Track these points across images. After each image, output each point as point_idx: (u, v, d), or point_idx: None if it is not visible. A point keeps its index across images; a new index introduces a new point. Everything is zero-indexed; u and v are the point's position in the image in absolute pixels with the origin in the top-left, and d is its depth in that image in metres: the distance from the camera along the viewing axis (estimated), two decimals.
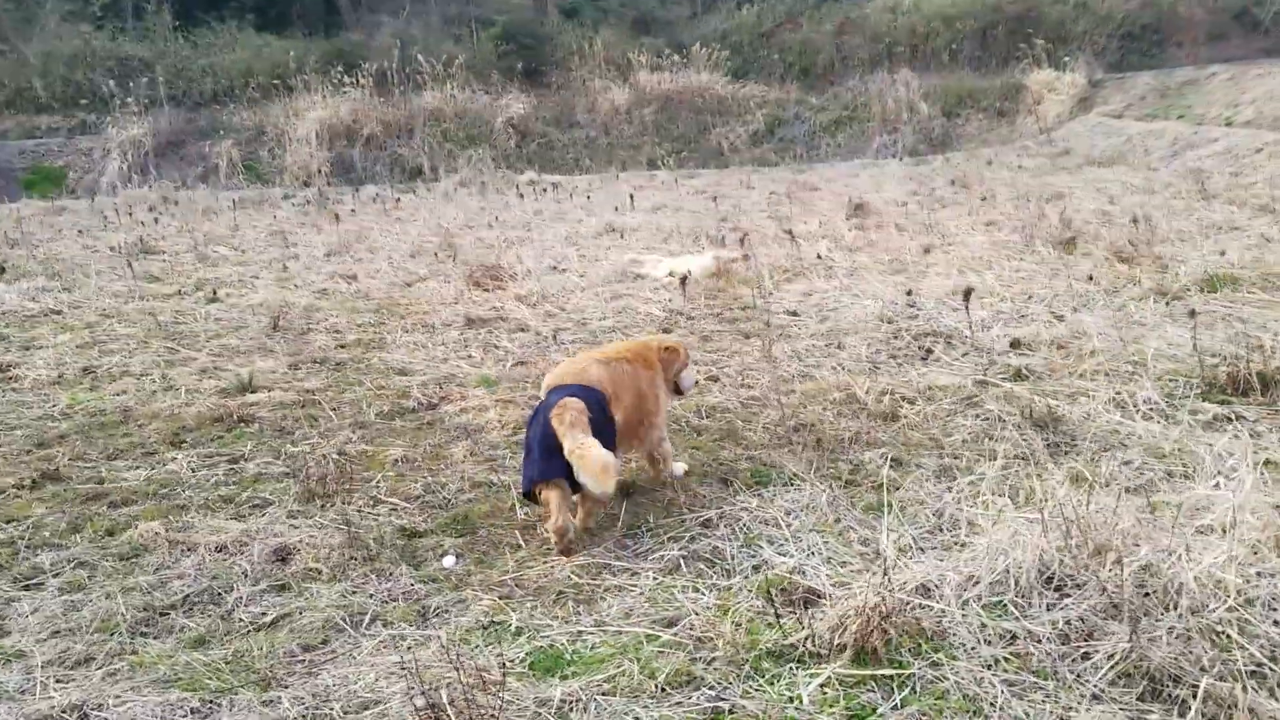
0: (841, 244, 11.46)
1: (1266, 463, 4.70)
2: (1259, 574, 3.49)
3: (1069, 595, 3.48)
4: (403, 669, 3.41)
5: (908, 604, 3.45)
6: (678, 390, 5.24)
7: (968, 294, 7.20)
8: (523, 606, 3.92)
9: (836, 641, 3.33)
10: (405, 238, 13.86)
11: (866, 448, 5.30)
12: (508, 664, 3.46)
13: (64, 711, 3.34)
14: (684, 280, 8.72)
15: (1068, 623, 3.35)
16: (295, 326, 8.82)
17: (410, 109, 25.68)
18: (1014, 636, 3.35)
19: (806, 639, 3.39)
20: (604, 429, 4.41)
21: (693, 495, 4.83)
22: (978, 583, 3.60)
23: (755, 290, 9.28)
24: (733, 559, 4.12)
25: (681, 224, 13.66)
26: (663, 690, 3.28)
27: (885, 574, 3.40)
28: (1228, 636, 3.15)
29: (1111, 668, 3.10)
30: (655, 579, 4.04)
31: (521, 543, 4.51)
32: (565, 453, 4.18)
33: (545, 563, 4.28)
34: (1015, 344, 7.03)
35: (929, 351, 7.09)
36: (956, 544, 4.03)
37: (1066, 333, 7.26)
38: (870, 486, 4.80)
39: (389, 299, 9.92)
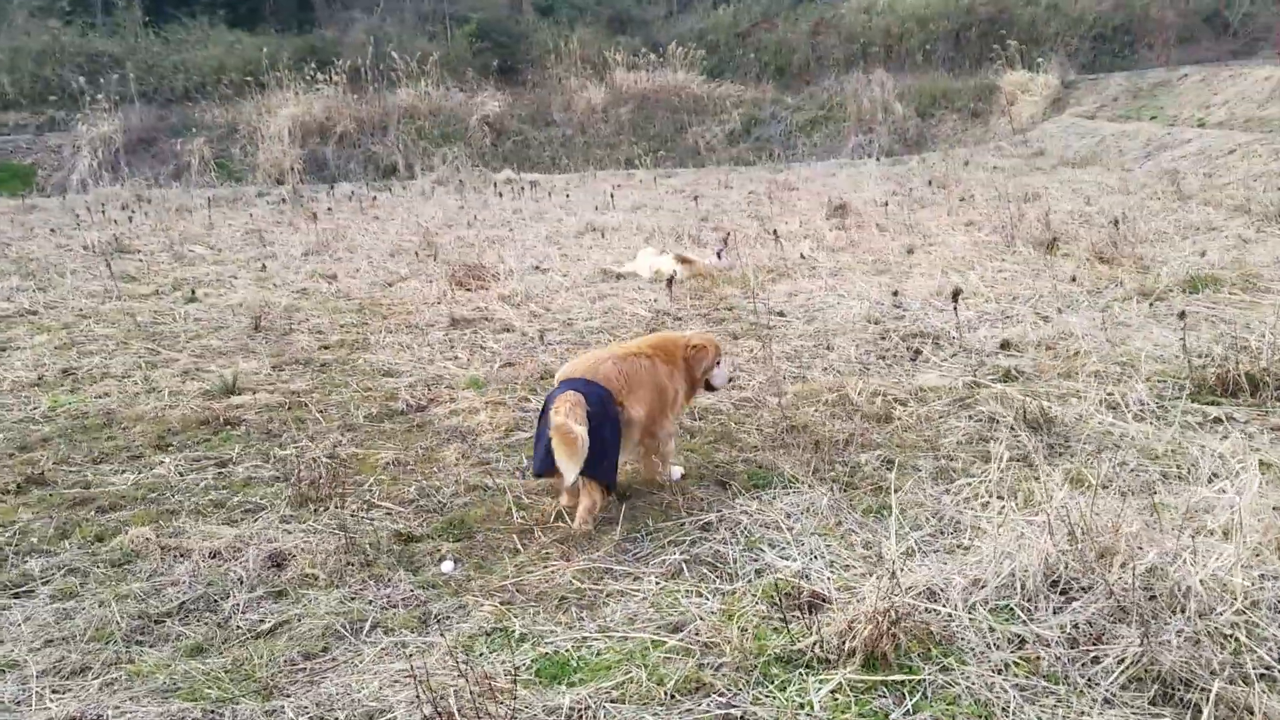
0: (824, 244, 11.48)
1: (1261, 464, 4.73)
2: (1262, 576, 3.50)
3: (1075, 599, 3.48)
4: (408, 677, 3.37)
5: (916, 608, 3.43)
6: (709, 386, 5.27)
7: (956, 295, 7.23)
8: (525, 612, 3.88)
9: (846, 646, 3.31)
10: (384, 237, 13.76)
11: (862, 450, 5.29)
12: (512, 672, 3.42)
13: None
14: (670, 281, 8.69)
15: (1075, 626, 3.35)
16: (277, 327, 8.73)
17: (384, 106, 25.52)
18: (1022, 641, 3.35)
19: (815, 644, 3.37)
20: (603, 425, 4.44)
21: (690, 498, 4.80)
22: (983, 586, 3.59)
23: (742, 290, 9.28)
24: (735, 563, 4.10)
25: (662, 223, 13.65)
26: (672, 697, 3.25)
27: (894, 577, 3.39)
28: (1237, 640, 3.16)
29: (1123, 672, 3.10)
30: (658, 583, 4.01)
31: (520, 547, 4.46)
32: (553, 427, 4.30)
33: (545, 567, 4.24)
34: (1005, 345, 7.05)
35: (918, 352, 7.11)
36: (959, 547, 4.03)
37: (1053, 334, 7.30)
38: (868, 489, 4.80)
39: (371, 299, 9.84)
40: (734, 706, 3.17)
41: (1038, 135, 23.46)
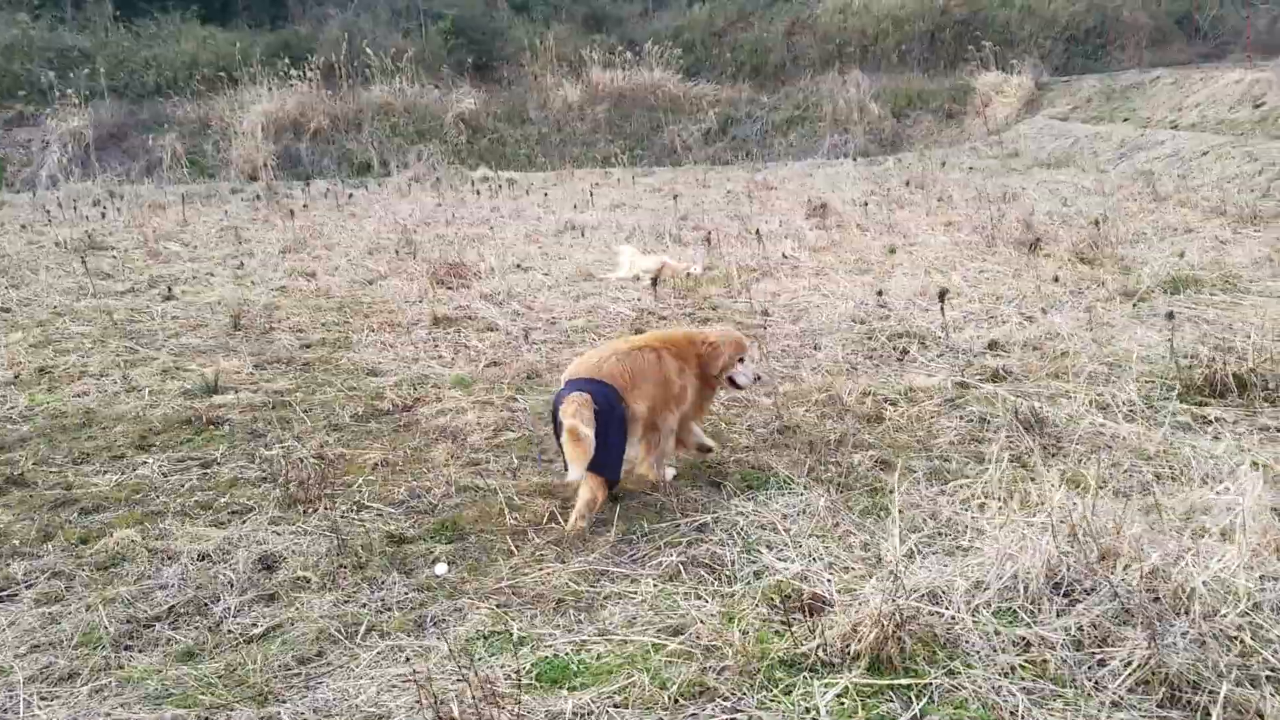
0: (805, 244, 11.48)
1: (1253, 465, 4.75)
2: (1263, 578, 3.51)
3: (1079, 601, 3.47)
4: (407, 681, 3.33)
5: (920, 611, 3.41)
6: (734, 385, 5.25)
7: (943, 295, 7.23)
8: (522, 615, 3.83)
9: (850, 650, 3.29)
10: (361, 234, 13.64)
11: (855, 450, 5.28)
12: (512, 676, 3.38)
13: None
14: (655, 280, 8.66)
15: (1080, 629, 3.34)
16: (257, 325, 8.63)
17: (359, 103, 25.30)
18: (1027, 643, 3.33)
19: (819, 648, 3.34)
20: (610, 422, 4.49)
21: (684, 499, 4.77)
22: (986, 588, 3.58)
23: (725, 290, 9.27)
24: (733, 565, 4.07)
25: (642, 222, 13.61)
26: (676, 702, 3.21)
27: (897, 579, 3.37)
28: (1242, 642, 3.15)
29: (1130, 674, 3.09)
30: (656, 586, 3.98)
31: (514, 549, 4.41)
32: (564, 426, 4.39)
33: (541, 569, 4.19)
34: (993, 345, 7.06)
35: (905, 352, 7.11)
36: (958, 549, 4.02)
37: (1039, 334, 7.31)
38: (864, 490, 4.78)
39: (351, 297, 9.74)
40: (739, 711, 3.14)
41: (1012, 136, 23.59)
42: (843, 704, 3.13)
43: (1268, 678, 3.04)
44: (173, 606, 3.98)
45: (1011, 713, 3.02)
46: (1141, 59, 26.69)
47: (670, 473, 5.08)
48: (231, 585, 4.11)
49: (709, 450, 5.30)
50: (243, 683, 3.45)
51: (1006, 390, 6.08)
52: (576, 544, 4.42)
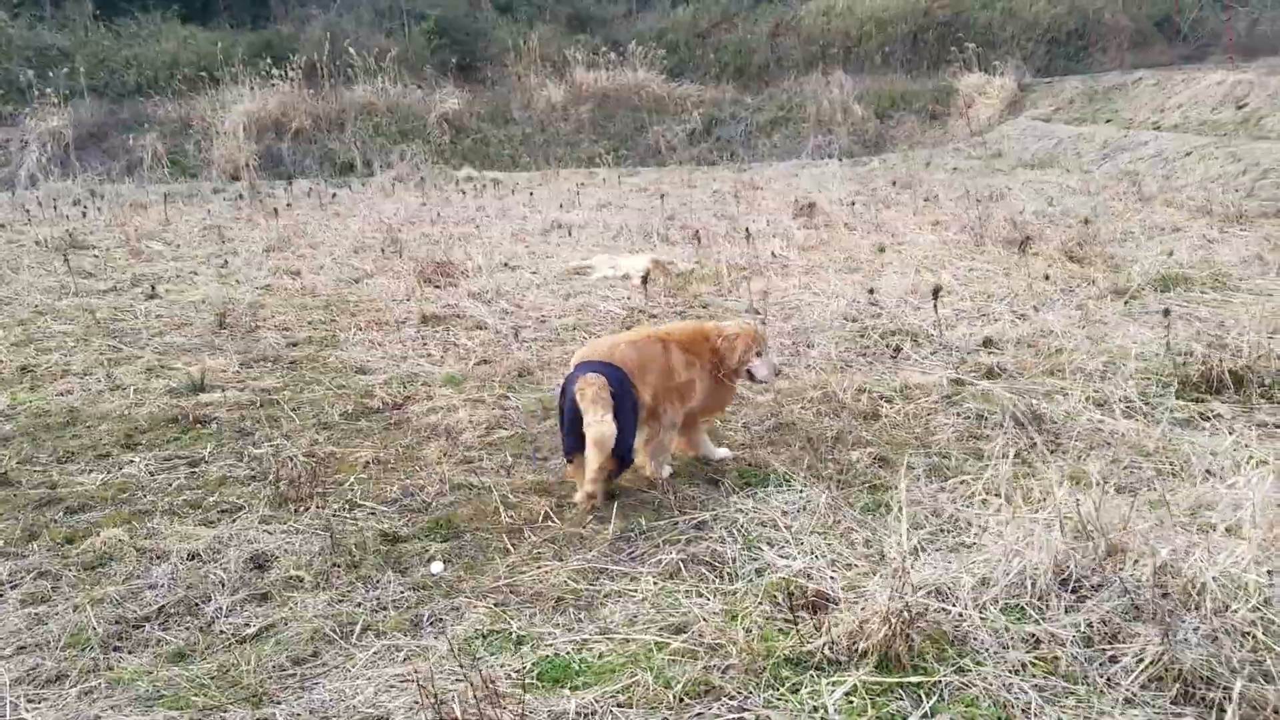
0: (793, 242, 11.44)
1: (1251, 460, 4.72)
2: (1271, 573, 3.47)
3: (1088, 597, 3.43)
4: (406, 681, 3.26)
5: (928, 608, 3.36)
6: (752, 378, 5.21)
7: (936, 292, 7.20)
8: (521, 614, 3.77)
9: (858, 648, 3.23)
10: (346, 233, 13.52)
11: (852, 447, 5.23)
12: (514, 675, 3.31)
13: None
14: (645, 278, 8.60)
15: (1090, 625, 3.29)
16: (242, 324, 8.52)
17: (341, 102, 25.13)
18: (1037, 640, 3.28)
19: (825, 645, 3.28)
20: (625, 405, 4.50)
21: (682, 497, 4.71)
22: (992, 585, 3.53)
23: (715, 288, 9.22)
24: (734, 562, 4.01)
25: (629, 221, 13.54)
26: (681, 701, 3.15)
27: (907, 574, 3.32)
28: (1254, 637, 3.11)
29: (1143, 671, 3.05)
30: (656, 584, 3.91)
31: (510, 547, 4.35)
32: (584, 426, 4.40)
33: (539, 567, 4.13)
34: (988, 342, 7.03)
35: (898, 350, 7.07)
36: (962, 545, 3.97)
37: (1032, 331, 7.29)
38: (863, 487, 4.73)
39: (337, 296, 9.64)
40: (746, 710, 3.08)
41: (995, 137, 23.64)
42: (851, 702, 3.07)
43: None
44: (162, 606, 3.89)
45: (1023, 710, 2.97)
46: (1123, 61, 26.81)
47: (666, 470, 5.01)
48: (223, 585, 4.03)
49: (714, 459, 5.23)
50: (236, 684, 3.38)
51: (1002, 387, 6.05)
52: (574, 542, 4.36)
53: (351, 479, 5.12)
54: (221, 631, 3.72)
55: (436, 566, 4.20)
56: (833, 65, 28.32)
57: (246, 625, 3.76)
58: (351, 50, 25.70)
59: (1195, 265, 9.14)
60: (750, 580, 3.85)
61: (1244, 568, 3.34)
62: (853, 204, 14.05)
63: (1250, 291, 8.26)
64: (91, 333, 8.24)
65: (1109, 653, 3.18)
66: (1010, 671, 3.14)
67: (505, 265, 10.71)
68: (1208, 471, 4.65)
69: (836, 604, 3.52)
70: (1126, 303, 8.03)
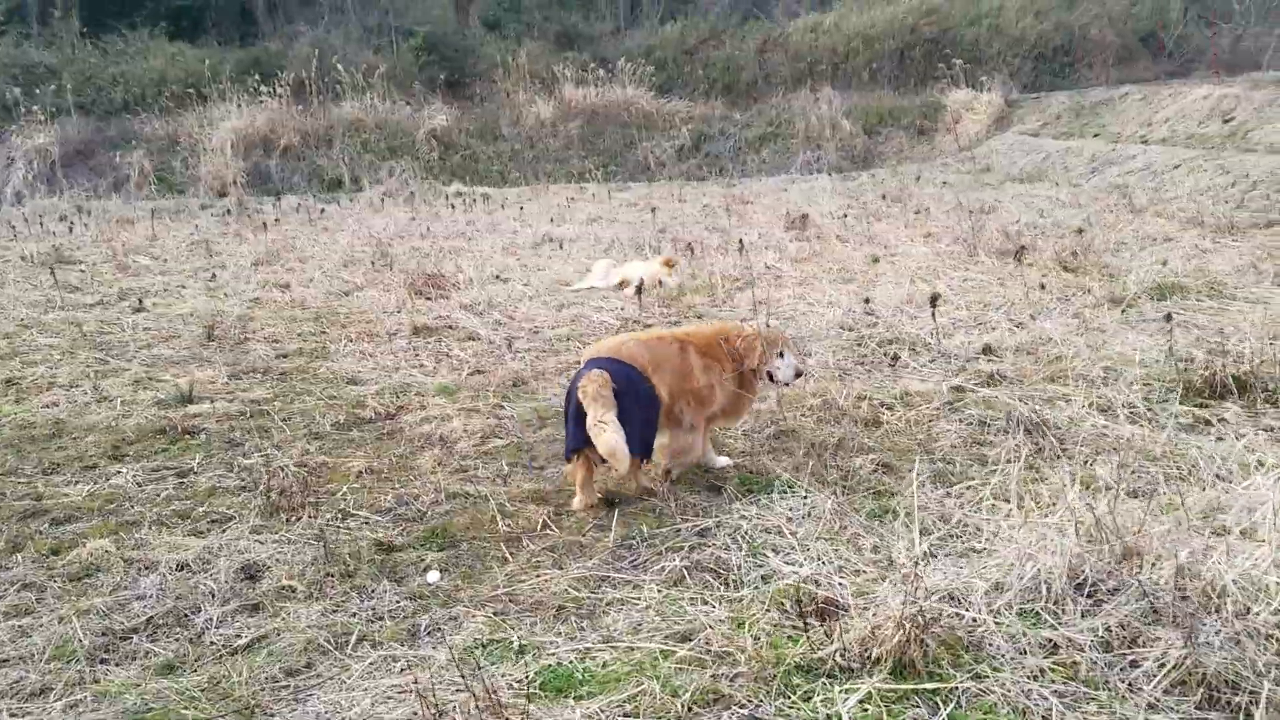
0: (786, 254, 11.38)
1: (1259, 464, 4.66)
2: None
3: (1104, 601, 3.34)
4: (403, 692, 3.15)
5: (942, 613, 3.27)
6: (773, 380, 5.16)
7: (934, 300, 7.13)
8: (521, 623, 3.66)
9: (871, 654, 3.14)
10: (335, 247, 13.40)
11: (855, 454, 5.14)
12: (516, 685, 3.20)
13: None
14: (639, 288, 8.52)
15: (1108, 629, 3.21)
16: (231, 336, 8.40)
17: (329, 119, 25.07)
18: (1054, 645, 3.19)
19: (837, 652, 3.19)
20: (636, 403, 4.49)
21: (683, 503, 4.61)
22: (1006, 590, 3.44)
23: (709, 299, 9.15)
24: (739, 569, 3.92)
25: (620, 235, 13.48)
26: (689, 710, 3.05)
27: (919, 579, 3.23)
28: (1278, 640, 3.03)
29: (1165, 675, 2.96)
30: (660, 591, 3.82)
31: (508, 556, 4.25)
32: (587, 424, 4.37)
33: (538, 576, 4.03)
34: (987, 349, 6.97)
35: (896, 358, 7.01)
36: (972, 550, 3.88)
37: (1030, 339, 7.24)
38: (867, 493, 4.65)
39: (327, 308, 9.53)
40: (757, 719, 2.98)
41: (984, 152, 23.68)
42: (866, 710, 2.98)
43: None
44: (151, 618, 3.78)
45: (1044, 717, 2.89)
46: (1109, 76, 26.92)
47: (722, 460, 5.06)
48: (213, 595, 3.91)
49: (715, 468, 5.14)
50: (227, 696, 3.27)
51: (1004, 394, 5.98)
52: (574, 550, 4.26)
53: (344, 488, 5.02)
54: (212, 643, 3.61)
55: (433, 575, 4.10)
56: (821, 82, 28.37)
57: (238, 636, 3.64)
58: (340, 67, 25.65)
59: (1190, 274, 9.11)
60: (756, 587, 3.76)
61: (1264, 570, 3.26)
62: (844, 217, 14.01)
63: (1246, 299, 8.22)
64: (78, 346, 8.12)
65: (1129, 657, 3.09)
66: (1028, 677, 3.05)
67: (497, 278, 10.61)
68: (1216, 475, 4.58)
69: (846, 610, 3.43)
70: (1124, 311, 7.99)
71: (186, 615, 3.80)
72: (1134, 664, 3.06)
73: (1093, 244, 10.64)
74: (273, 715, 3.16)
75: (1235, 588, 3.21)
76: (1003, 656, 3.15)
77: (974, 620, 3.31)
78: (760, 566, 3.92)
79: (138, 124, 24.47)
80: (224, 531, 4.50)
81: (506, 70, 27.49)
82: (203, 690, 3.30)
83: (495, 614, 3.73)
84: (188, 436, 5.91)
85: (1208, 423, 5.41)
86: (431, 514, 4.72)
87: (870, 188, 19.49)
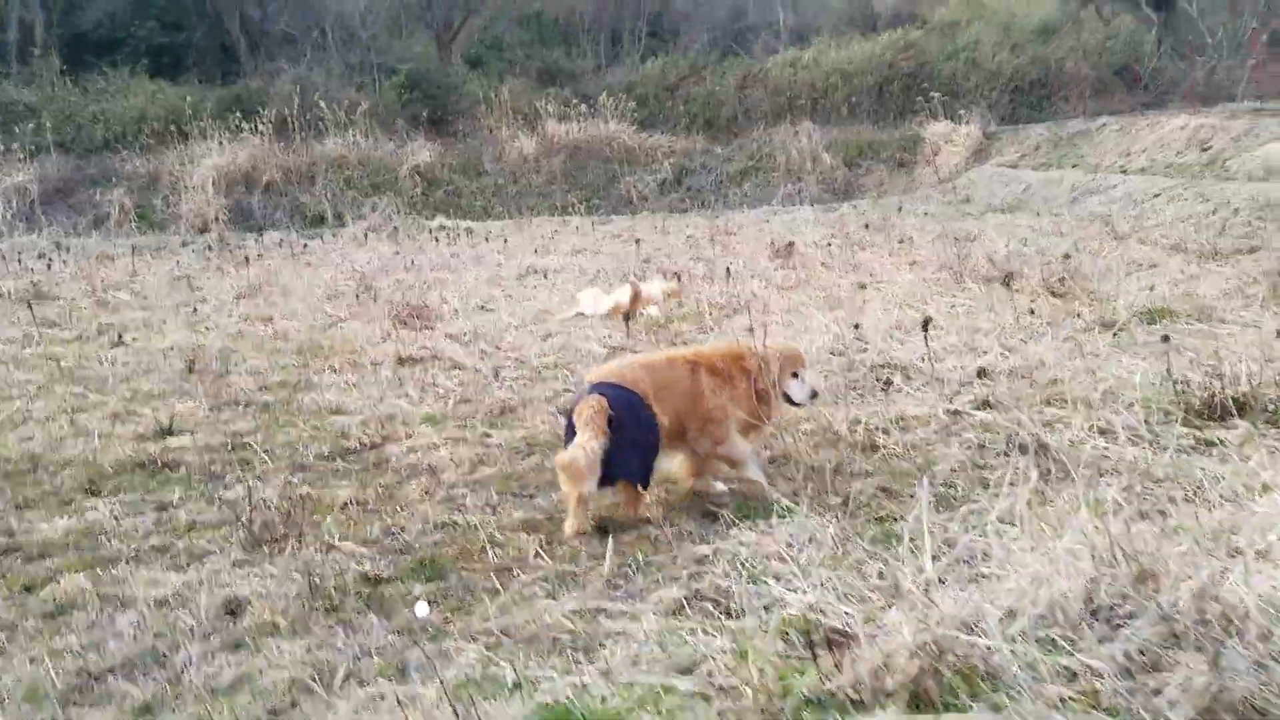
0: (772, 282, 11.33)
1: (1264, 487, 4.57)
2: None
3: (1121, 626, 3.22)
4: None
5: (957, 641, 3.14)
6: (790, 400, 5.06)
7: (926, 324, 7.07)
8: (515, 657, 3.52)
9: (885, 685, 3.01)
10: (318, 281, 13.27)
11: (853, 478, 5.03)
12: None
13: None
14: (628, 316, 8.43)
15: (1127, 655, 3.08)
16: (212, 369, 8.23)
17: (312, 155, 25.01)
18: (1073, 673, 3.07)
19: (848, 684, 3.05)
20: (636, 429, 4.43)
21: (679, 530, 4.49)
22: (1020, 616, 3.32)
23: (697, 326, 9.06)
24: (741, 598, 3.78)
25: (604, 265, 13.42)
26: None
27: (933, 605, 3.11)
28: None
29: (1190, 702, 2.84)
30: (659, 622, 3.68)
31: (499, 587, 4.11)
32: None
33: (531, 607, 3.88)
34: (982, 373, 6.89)
35: (889, 382, 6.93)
36: (981, 576, 3.76)
37: (1023, 363, 7.17)
38: (869, 517, 4.53)
39: (310, 340, 9.39)
40: None
41: (964, 183, 23.80)
42: None
43: None
44: (128, 657, 3.62)
45: None
46: (1086, 109, 27.17)
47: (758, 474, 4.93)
48: (193, 633, 3.76)
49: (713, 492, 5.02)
50: None
51: (1001, 418, 5.89)
52: (568, 580, 4.13)
53: (329, 520, 4.87)
54: (192, 683, 3.45)
55: (422, 609, 3.94)
56: (800, 116, 28.54)
57: (219, 675, 3.49)
58: (322, 104, 25.62)
59: (1178, 299, 9.10)
60: (759, 616, 3.62)
61: None
62: (828, 245, 14.00)
63: (1236, 323, 8.20)
64: (55, 380, 7.95)
65: (1151, 684, 2.97)
66: (1049, 706, 2.91)
67: (482, 308, 10.51)
68: (1221, 496, 4.49)
69: (855, 640, 3.29)
70: (1115, 335, 7.94)
71: (165, 654, 3.64)
72: (1156, 691, 2.93)
73: (1080, 269, 10.63)
74: None
75: (1257, 610, 3.10)
76: (1020, 685, 3.02)
77: (988, 648, 3.18)
78: (762, 595, 3.78)
79: (118, 161, 24.36)
80: (204, 566, 4.34)
81: (489, 107, 27.55)
82: None
83: (487, 648, 3.59)
84: (167, 470, 5.75)
85: (1209, 444, 5.33)
86: (419, 545, 4.59)
87: (852, 218, 19.50)
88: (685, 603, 3.81)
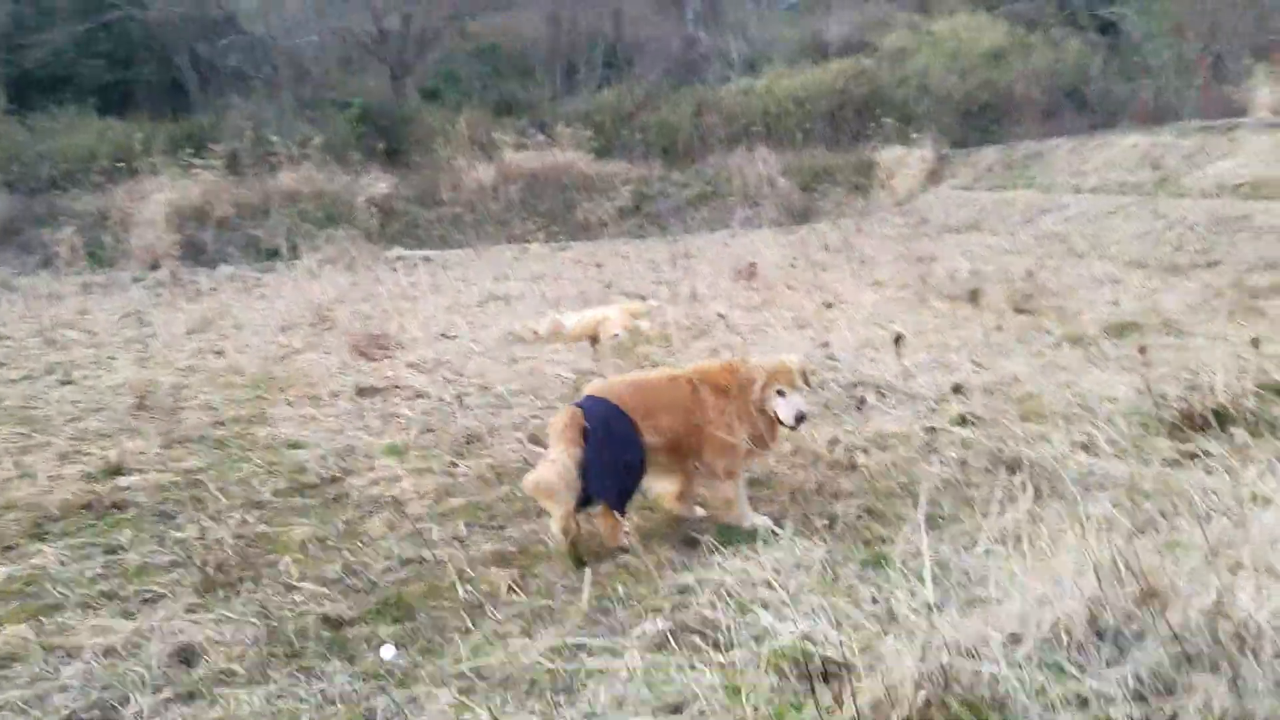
0: (737, 303, 11.21)
1: (1253, 497, 4.46)
2: None
3: (1128, 647, 3.07)
4: None
5: (962, 669, 2.97)
6: (779, 420, 4.74)
7: (898, 340, 6.97)
8: (490, 701, 3.30)
9: (889, 718, 2.83)
10: (272, 313, 12.98)
11: (835, 499, 4.87)
12: None
13: None
14: (595, 340, 8.25)
15: (1139, 678, 2.93)
16: (163, 405, 7.95)
17: (265, 190, 24.65)
18: (1084, 700, 2.90)
19: (850, 719, 2.87)
20: (607, 443, 4.30)
21: (659, 560, 4.29)
22: (1022, 640, 3.15)
23: (664, 349, 8.89)
24: (728, 629, 3.58)
25: (567, 291, 13.24)
26: None
27: (936, 631, 2.94)
28: None
29: None
30: (643, 658, 3.47)
31: (471, 625, 3.89)
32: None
33: (506, 647, 3.66)
34: (957, 389, 6.78)
35: (863, 400, 6.79)
36: (977, 599, 3.60)
37: (995, 379, 7.07)
38: (856, 540, 4.36)
39: (265, 373, 9.11)
40: None
41: (919, 205, 23.93)
42: None
43: None
44: (73, 711, 3.36)
45: None
46: (1036, 130, 27.47)
47: (759, 519, 4.63)
48: (144, 683, 3.49)
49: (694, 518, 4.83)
50: None
51: (981, 434, 5.76)
52: (544, 615, 3.92)
53: (287, 559, 4.62)
54: None
55: (388, 652, 3.71)
56: (756, 141, 28.63)
57: None
58: (275, 138, 25.31)
59: (1143, 313, 9.10)
60: (749, 648, 3.43)
61: None
62: (792, 266, 13.92)
63: (1205, 336, 8.18)
64: (0, 422, 7.61)
65: (1167, 709, 2.81)
66: None
67: (443, 336, 10.28)
68: (1210, 510, 4.38)
69: (853, 670, 3.11)
70: (1085, 349, 7.88)
71: (114, 707, 3.38)
72: (1174, 716, 2.78)
73: (1044, 286, 10.61)
74: None
75: (1269, 628, 2.96)
76: (1032, 715, 2.85)
77: (993, 675, 3.01)
78: (751, 625, 3.59)
79: (67, 199, 23.87)
80: (156, 612, 4.08)
81: (446, 137, 27.36)
82: None
83: (461, 692, 3.36)
84: (116, 510, 5.47)
85: (1193, 456, 5.23)
86: (384, 583, 4.35)
87: (812, 240, 19.50)
88: (670, 636, 3.60)
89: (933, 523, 4.49)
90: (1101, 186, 19.36)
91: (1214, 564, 3.55)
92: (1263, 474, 4.82)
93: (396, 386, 8.05)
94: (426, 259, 19.28)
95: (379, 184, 25.00)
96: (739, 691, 3.15)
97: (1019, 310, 9.65)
